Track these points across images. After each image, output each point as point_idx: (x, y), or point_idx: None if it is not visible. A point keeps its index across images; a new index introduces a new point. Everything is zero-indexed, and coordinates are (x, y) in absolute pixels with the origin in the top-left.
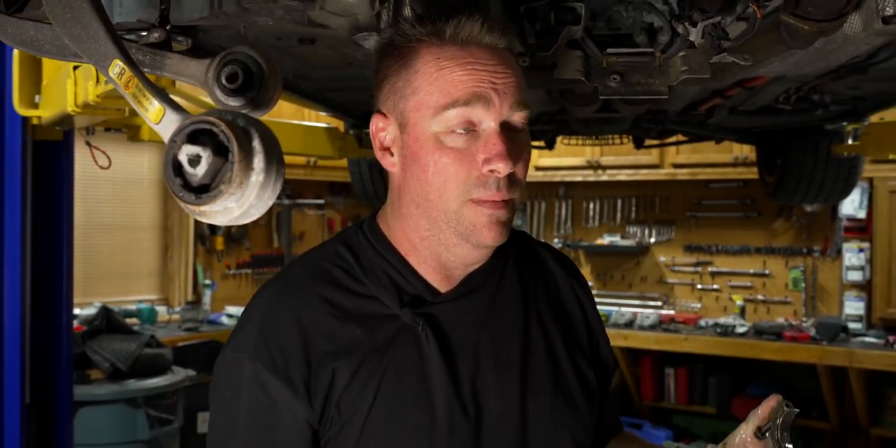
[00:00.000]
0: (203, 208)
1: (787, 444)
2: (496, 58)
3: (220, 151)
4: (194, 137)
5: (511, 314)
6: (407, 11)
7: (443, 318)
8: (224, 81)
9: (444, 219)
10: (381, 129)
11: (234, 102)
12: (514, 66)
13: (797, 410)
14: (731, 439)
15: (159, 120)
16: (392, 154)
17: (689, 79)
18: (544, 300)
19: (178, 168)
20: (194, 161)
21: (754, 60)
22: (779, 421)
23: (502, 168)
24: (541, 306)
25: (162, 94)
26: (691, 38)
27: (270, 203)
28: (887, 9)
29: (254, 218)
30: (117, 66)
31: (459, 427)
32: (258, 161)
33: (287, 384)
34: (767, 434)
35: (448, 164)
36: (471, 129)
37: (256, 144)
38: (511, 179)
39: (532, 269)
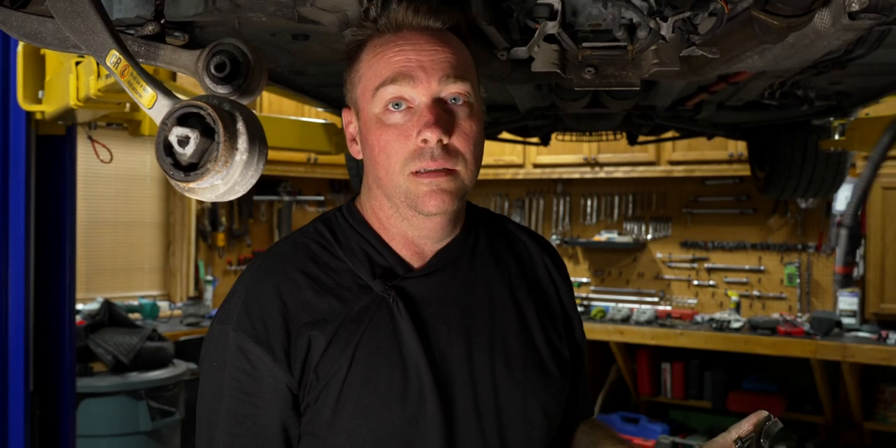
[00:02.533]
0: (191, 185)
1: None
2: (426, 37)
3: (207, 133)
4: (184, 120)
5: (483, 289)
6: (394, 6)
7: (414, 291)
8: (213, 70)
9: (395, 194)
10: (349, 122)
11: (222, 90)
12: (447, 44)
13: (782, 425)
14: (710, 445)
15: (152, 105)
16: (357, 143)
17: (659, 71)
18: (518, 276)
19: (168, 148)
20: (183, 142)
21: (731, 56)
22: (763, 430)
23: (430, 136)
24: (514, 282)
25: (155, 82)
26: (662, 32)
27: (254, 181)
28: (853, 5)
29: (239, 195)
30: (114, 56)
31: (430, 393)
32: (242, 142)
33: (268, 351)
34: (747, 444)
35: (388, 141)
36: (404, 104)
37: (240, 126)
38: (447, 150)
39: (504, 246)
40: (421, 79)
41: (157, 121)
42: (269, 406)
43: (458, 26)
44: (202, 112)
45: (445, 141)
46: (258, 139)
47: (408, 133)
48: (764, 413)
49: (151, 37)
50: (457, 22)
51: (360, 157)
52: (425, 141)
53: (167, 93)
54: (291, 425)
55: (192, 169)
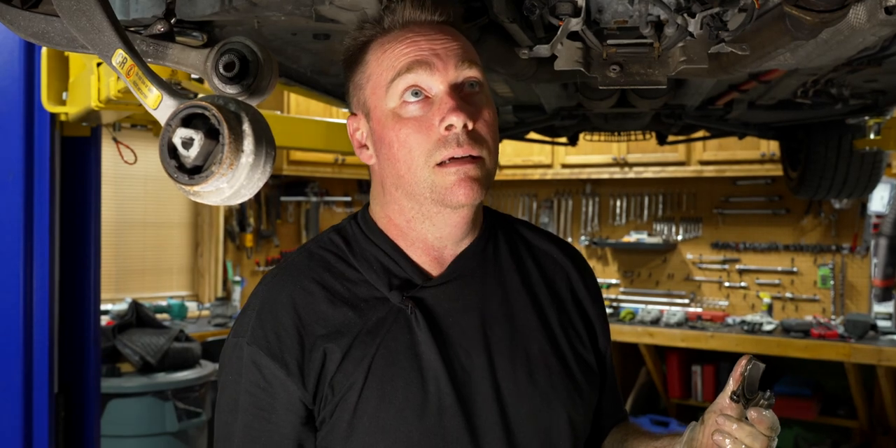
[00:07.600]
0: (196, 188)
1: (753, 398)
2: (434, 29)
3: (212, 134)
4: (188, 121)
5: (503, 296)
6: (400, 4)
7: (432, 301)
8: (221, 70)
9: (419, 190)
10: (356, 129)
11: (231, 90)
12: (455, 35)
13: (763, 365)
14: (711, 407)
15: (157, 105)
16: (368, 148)
17: (687, 69)
18: (539, 283)
19: (173, 150)
20: (188, 143)
21: (762, 53)
22: (746, 380)
23: (456, 121)
24: (535, 288)
25: (160, 81)
26: (690, 28)
27: (261, 184)
28: None
29: (245, 198)
30: (119, 55)
31: (450, 405)
32: (248, 143)
33: (281, 365)
34: (740, 398)
35: (409, 134)
36: (422, 94)
37: (246, 128)
38: (473, 136)
39: (525, 252)
40: (437, 66)
41: (162, 122)
42: (284, 422)
43: (456, 21)
44: (206, 112)
45: (471, 126)
46: (265, 141)
47: (428, 123)
48: (743, 361)
49: (160, 36)
50: (456, 16)
51: (371, 161)
52: (450, 127)
53: (173, 93)
54: (307, 440)
55: (196, 172)
